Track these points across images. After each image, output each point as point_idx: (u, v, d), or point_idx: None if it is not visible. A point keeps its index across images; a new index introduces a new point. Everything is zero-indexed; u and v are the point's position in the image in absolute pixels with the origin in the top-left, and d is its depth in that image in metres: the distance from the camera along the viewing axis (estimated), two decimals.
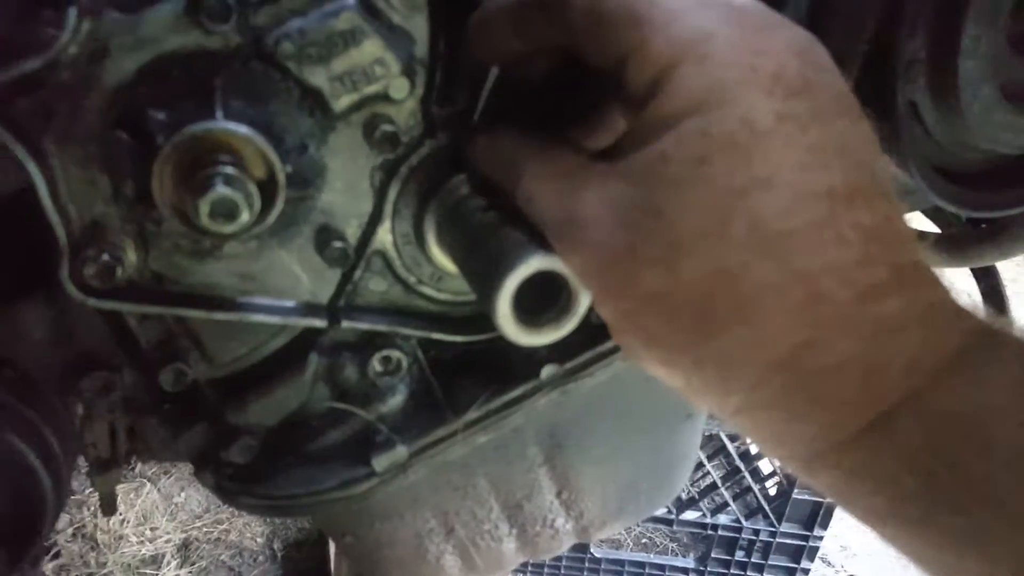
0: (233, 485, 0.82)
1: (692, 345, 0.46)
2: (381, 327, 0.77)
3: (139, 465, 2.61)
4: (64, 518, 2.42)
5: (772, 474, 2.25)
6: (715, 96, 0.43)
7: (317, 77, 0.64)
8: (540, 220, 0.56)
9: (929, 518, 0.43)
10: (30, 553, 0.74)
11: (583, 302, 0.65)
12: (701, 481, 2.31)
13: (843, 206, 0.43)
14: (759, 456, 2.26)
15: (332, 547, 2.26)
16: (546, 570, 2.42)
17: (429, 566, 0.93)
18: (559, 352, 0.81)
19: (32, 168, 0.59)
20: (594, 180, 0.51)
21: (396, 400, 0.81)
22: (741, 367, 0.45)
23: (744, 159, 0.43)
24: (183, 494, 2.62)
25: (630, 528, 2.53)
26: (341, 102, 0.66)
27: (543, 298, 0.66)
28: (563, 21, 0.51)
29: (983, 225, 1.02)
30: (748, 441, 2.28)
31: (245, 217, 0.59)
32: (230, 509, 2.58)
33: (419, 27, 0.65)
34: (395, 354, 0.79)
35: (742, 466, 2.22)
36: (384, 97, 0.67)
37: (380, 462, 0.78)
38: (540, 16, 0.54)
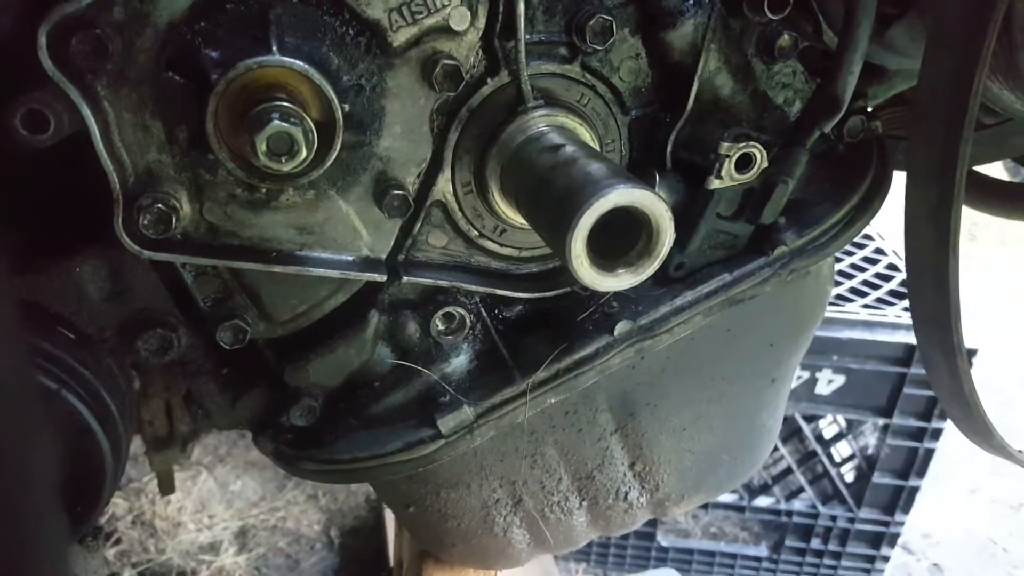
0: (293, 451, 0.79)
1: None
2: (443, 282, 0.73)
3: (195, 452, 2.65)
4: (123, 505, 2.49)
5: (850, 457, 2.14)
6: None
7: (375, 9, 0.60)
8: None
9: None
10: (94, 517, 0.72)
11: (665, 243, 0.59)
12: (774, 466, 2.22)
13: None
14: (836, 438, 2.15)
15: (390, 533, 2.25)
16: (611, 559, 2.37)
17: (496, 539, 0.89)
18: (633, 307, 0.76)
19: (86, 111, 0.57)
20: None
21: (460, 360, 0.77)
22: None
23: None
24: (239, 482, 2.66)
25: (698, 516, 2.44)
26: (399, 36, 0.62)
27: (618, 243, 0.61)
28: None
29: None
30: (823, 423, 2.17)
31: (303, 154, 0.56)
32: (286, 497, 2.61)
33: None
34: (458, 311, 0.75)
35: (818, 449, 2.11)
36: (445, 29, 0.62)
37: (446, 423, 0.74)
38: None
